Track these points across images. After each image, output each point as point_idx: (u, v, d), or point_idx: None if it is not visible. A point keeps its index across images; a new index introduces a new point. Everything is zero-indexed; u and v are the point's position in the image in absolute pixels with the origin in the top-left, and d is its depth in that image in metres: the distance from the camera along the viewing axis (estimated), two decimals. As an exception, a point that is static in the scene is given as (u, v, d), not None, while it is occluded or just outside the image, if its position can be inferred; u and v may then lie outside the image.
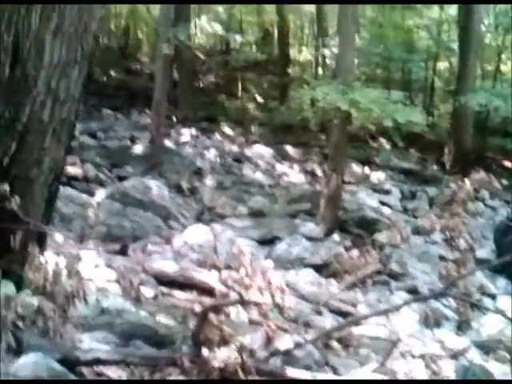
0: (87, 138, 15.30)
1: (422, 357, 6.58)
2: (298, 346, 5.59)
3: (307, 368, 5.74)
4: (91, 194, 11.08)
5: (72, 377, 4.34)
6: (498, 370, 6.18)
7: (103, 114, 18.21)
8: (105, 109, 18.46)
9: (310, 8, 23.22)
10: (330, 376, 5.36)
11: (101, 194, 11.02)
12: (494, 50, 20.11)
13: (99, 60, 19.09)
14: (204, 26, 19.07)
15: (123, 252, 8.45)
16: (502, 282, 10.27)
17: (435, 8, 20.73)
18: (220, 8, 22.74)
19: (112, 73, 21.05)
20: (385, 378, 5.26)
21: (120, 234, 9.28)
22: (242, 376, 4.67)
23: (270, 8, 23.23)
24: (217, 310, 5.31)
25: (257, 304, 5.44)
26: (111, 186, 11.89)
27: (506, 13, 18.21)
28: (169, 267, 7.60)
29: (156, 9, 20.30)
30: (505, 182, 15.27)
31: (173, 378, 4.68)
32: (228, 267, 7.71)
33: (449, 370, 6.35)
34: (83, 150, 14.11)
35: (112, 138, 15.95)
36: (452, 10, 20.74)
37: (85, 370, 4.64)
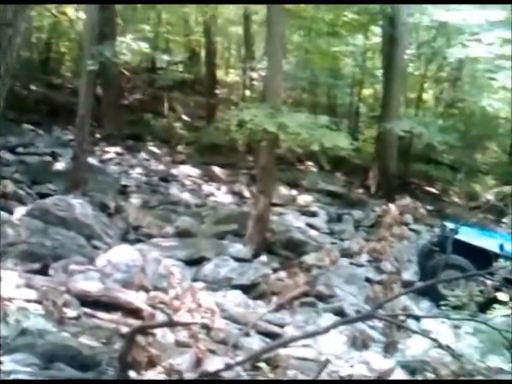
0: (6, 153, 14.73)
1: (350, 378, 6.60)
2: (226, 367, 5.46)
3: (236, 390, 5.65)
4: (10, 211, 10.63)
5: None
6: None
7: (23, 129, 17.60)
8: (25, 124, 17.86)
9: (238, 30, 23.42)
10: None
11: (20, 211, 10.60)
12: (417, 78, 20.75)
13: (19, 73, 18.52)
14: (130, 44, 18.83)
15: (44, 272, 8.12)
16: (425, 303, 10.52)
17: (359, 36, 21.24)
18: (147, 26, 22.60)
19: (33, 87, 20.44)
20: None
21: (41, 253, 8.93)
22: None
23: (197, 28, 23.27)
24: (144, 331, 5.15)
25: (187, 325, 5.30)
26: (31, 203, 11.44)
27: (429, 43, 18.86)
28: (92, 287, 7.35)
29: (79, 23, 19.93)
30: (429, 207, 15.72)
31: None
32: (155, 288, 7.54)
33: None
34: (1, 165, 13.59)
35: (32, 153, 15.41)
36: (376, 38, 21.30)
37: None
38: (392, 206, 6.35)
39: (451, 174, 19.80)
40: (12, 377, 4.48)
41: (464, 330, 8.40)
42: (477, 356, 7.32)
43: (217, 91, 21.93)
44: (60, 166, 14.59)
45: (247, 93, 21.80)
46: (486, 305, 8.59)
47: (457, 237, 9.94)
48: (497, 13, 16.10)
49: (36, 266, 8.24)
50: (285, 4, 12.28)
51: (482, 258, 10.12)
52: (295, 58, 21.04)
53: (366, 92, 23.88)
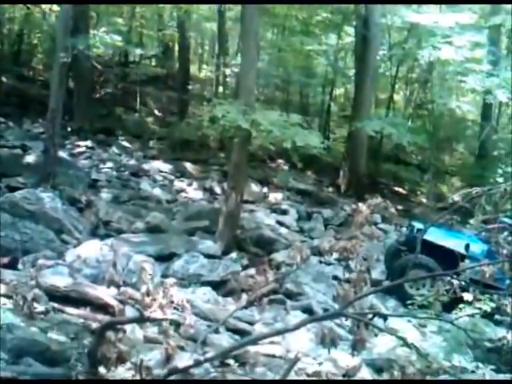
0: (-25, 145, 14.59)
1: (317, 375, 6.68)
2: (196, 364, 5.49)
3: (204, 387, 5.69)
4: (-23, 204, 10.51)
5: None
6: (388, 389, 6.37)
7: (-7, 121, 17.41)
8: (-5, 115, 17.66)
9: (212, 26, 23.39)
10: None
11: (-12, 204, 10.49)
12: (388, 79, 20.97)
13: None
14: (103, 37, 18.69)
15: (13, 266, 8.08)
16: (391, 302, 10.67)
17: (332, 35, 21.38)
18: (120, 20, 22.47)
19: (3, 79, 20.18)
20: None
21: (10, 247, 8.88)
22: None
23: (171, 23, 23.19)
24: (114, 327, 5.16)
25: (158, 321, 5.32)
26: (0, 196, 11.32)
27: (400, 44, 19.07)
28: (61, 282, 7.32)
29: (52, 15, 19.73)
30: (399, 207, 15.93)
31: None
32: (125, 283, 7.55)
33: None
34: (-30, 157, 13.44)
35: (2, 146, 15.22)
36: (349, 38, 21.46)
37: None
38: (363, 205, 6.40)
39: (419, 175, 20.09)
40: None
41: (429, 329, 8.56)
42: (442, 355, 7.48)
43: (189, 87, 21.86)
44: (30, 159, 14.43)
45: (220, 89, 21.79)
46: (452, 305, 8.76)
47: (424, 237, 10.09)
48: (467, 16, 16.36)
49: (5, 259, 8.19)
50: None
51: (449, 259, 10.29)
52: (268, 55, 21.08)
53: (338, 91, 24.08)
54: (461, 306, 8.59)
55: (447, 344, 7.60)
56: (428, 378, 5.65)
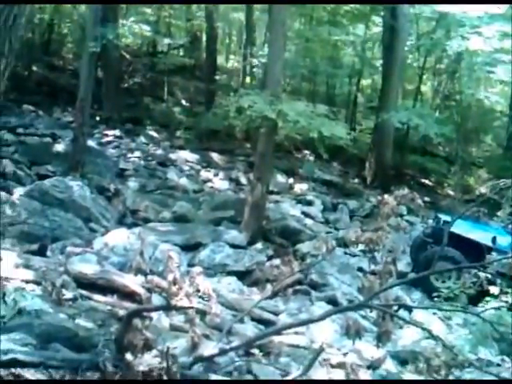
0: (6, 133, 14.78)
1: (341, 366, 6.70)
2: (221, 352, 5.56)
3: (229, 375, 5.75)
4: (9, 191, 10.69)
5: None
6: (412, 381, 6.38)
7: (23, 110, 17.62)
8: (25, 104, 17.87)
9: (240, 17, 23.36)
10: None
11: (19, 191, 10.67)
12: (415, 70, 20.78)
13: (21, 54, 18.50)
14: (132, 27, 18.80)
15: (42, 253, 8.21)
16: (417, 294, 10.63)
17: (360, 25, 21.23)
18: (149, 10, 22.53)
19: (34, 68, 20.41)
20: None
21: (39, 234, 9.03)
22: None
23: (199, 13, 23.21)
24: (141, 314, 5.23)
25: (184, 310, 5.38)
26: (30, 184, 11.50)
27: (428, 34, 18.86)
28: (89, 269, 7.42)
29: (82, 5, 19.85)
30: (426, 199, 15.81)
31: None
32: (151, 272, 7.63)
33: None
34: (1, 145, 13.63)
35: (32, 134, 15.45)
36: (377, 28, 21.30)
37: (2, 372, 4.47)
38: (390, 197, 6.39)
39: (446, 167, 19.91)
40: (9, 356, 4.55)
41: (455, 321, 8.53)
42: (467, 347, 7.45)
43: (217, 77, 21.88)
44: (59, 147, 14.63)
45: (247, 79, 21.78)
46: (478, 297, 8.72)
47: (451, 229, 10.03)
48: (496, 6, 16.10)
49: (34, 246, 8.33)
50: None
51: (475, 251, 10.24)
52: (296, 45, 21.00)
53: (365, 82, 23.91)
54: (487, 298, 8.56)
55: (473, 337, 7.56)
56: (453, 370, 5.65)
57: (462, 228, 10.49)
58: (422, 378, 5.74)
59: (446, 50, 17.73)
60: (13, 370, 4.59)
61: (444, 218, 11.55)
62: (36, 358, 4.71)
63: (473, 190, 17.26)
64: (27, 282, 6.74)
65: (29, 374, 4.63)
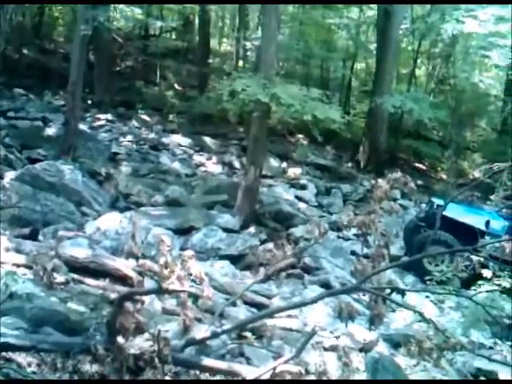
0: (-4, 117, 14.69)
1: (334, 349, 6.70)
2: (213, 335, 5.54)
3: (221, 358, 5.74)
4: (-1, 175, 10.63)
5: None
6: (404, 364, 6.38)
7: (14, 93, 17.49)
8: (16, 88, 17.73)
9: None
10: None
11: (10, 175, 10.59)
12: (410, 54, 20.69)
13: (12, 37, 18.32)
14: (124, 9, 18.64)
15: (33, 237, 8.17)
16: (410, 278, 10.66)
17: (354, 9, 21.10)
18: (141, -8, 22.30)
19: (25, 51, 20.23)
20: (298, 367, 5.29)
21: (30, 218, 8.99)
22: (158, 364, 4.61)
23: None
24: (133, 298, 5.20)
25: (176, 293, 5.35)
26: (21, 168, 11.43)
27: (423, 18, 18.75)
28: (81, 253, 7.38)
29: (74, -13, 19.64)
30: (419, 182, 15.80)
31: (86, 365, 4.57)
32: (144, 256, 7.59)
33: (359, 362, 6.51)
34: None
35: (23, 118, 15.34)
36: (371, 11, 21.17)
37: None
38: (383, 180, 6.36)
39: (440, 151, 19.89)
40: (0, 340, 4.52)
41: (447, 305, 8.55)
42: (459, 330, 7.47)
43: (210, 60, 21.74)
44: (51, 131, 14.54)
45: (240, 63, 21.66)
46: (470, 281, 8.74)
47: (444, 213, 10.04)
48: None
49: (25, 230, 8.29)
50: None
51: (469, 235, 10.26)
52: (289, 28, 20.89)
53: (359, 66, 23.80)
54: (480, 282, 8.57)
55: (465, 320, 7.59)
56: (445, 353, 5.66)
57: (455, 212, 10.50)
58: (413, 360, 5.75)
59: (441, 34, 17.63)
60: (4, 353, 4.57)
61: (437, 201, 11.54)
62: (27, 342, 4.70)
63: (467, 174, 17.26)
64: (18, 265, 6.72)
65: (20, 357, 4.61)
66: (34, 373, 4.52)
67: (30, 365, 4.57)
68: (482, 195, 9.94)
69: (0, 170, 11.06)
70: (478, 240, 9.95)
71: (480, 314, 6.85)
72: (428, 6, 18.83)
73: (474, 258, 7.29)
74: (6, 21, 4.31)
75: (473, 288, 8.42)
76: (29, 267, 6.63)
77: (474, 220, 10.85)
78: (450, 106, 18.71)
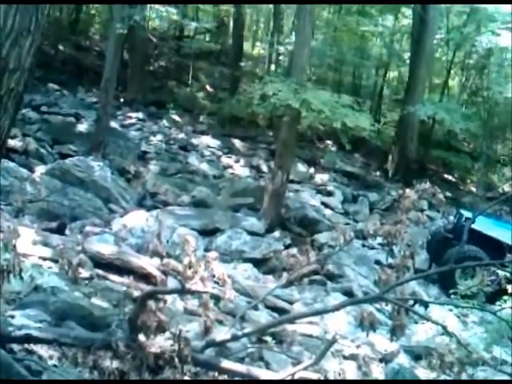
0: (30, 111, 14.87)
1: (354, 358, 6.66)
2: (233, 338, 5.54)
3: (241, 361, 5.74)
4: (30, 168, 10.77)
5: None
6: (425, 376, 6.32)
7: (48, 88, 17.71)
8: (50, 83, 17.95)
9: (268, 4, 23.20)
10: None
11: (40, 169, 10.73)
12: (444, 64, 20.53)
13: (48, 32, 18.55)
14: (159, 10, 18.77)
15: (61, 231, 8.25)
16: (434, 290, 10.54)
17: (389, 17, 21.01)
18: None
19: (61, 47, 20.48)
20: (317, 376, 5.27)
21: (58, 213, 9.08)
22: (177, 364, 4.62)
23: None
24: (155, 296, 5.22)
25: (198, 293, 5.37)
26: (52, 162, 11.57)
27: (458, 29, 18.61)
28: (107, 250, 7.45)
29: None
30: (448, 194, 15.63)
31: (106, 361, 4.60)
32: (168, 255, 7.62)
33: (379, 372, 6.47)
34: (25, 123, 13.72)
35: (56, 113, 15.53)
36: (406, 20, 21.06)
37: (15, 347, 4.50)
38: (411, 191, 6.32)
39: (470, 163, 19.68)
40: (23, 331, 4.57)
41: (471, 319, 8.44)
42: (482, 346, 7.37)
43: (242, 63, 21.77)
44: (82, 127, 14.72)
45: (272, 67, 21.68)
46: (495, 296, 8.62)
47: (472, 226, 9.92)
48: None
49: (53, 224, 8.37)
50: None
51: (496, 249, 10.12)
52: (323, 34, 20.84)
53: (392, 74, 23.68)
54: (505, 297, 8.45)
55: (488, 335, 7.48)
56: (466, 367, 5.59)
57: (483, 225, 10.36)
58: (434, 374, 5.68)
59: (476, 45, 17.50)
60: (26, 345, 4.63)
61: (466, 214, 11.41)
62: (50, 335, 4.72)
63: (496, 187, 17.06)
64: (44, 259, 6.79)
65: (42, 350, 4.66)
66: (55, 366, 4.55)
67: (51, 358, 4.60)
68: (511, 209, 9.82)
69: (31, 163, 11.22)
70: (505, 255, 9.80)
71: (504, 329, 6.75)
72: (464, 17, 18.69)
73: (501, 272, 7.20)
74: (43, 16, 4.32)
75: (498, 303, 8.30)
76: (55, 261, 6.69)
77: (502, 234, 10.70)
78: (481, 117, 18.51)
